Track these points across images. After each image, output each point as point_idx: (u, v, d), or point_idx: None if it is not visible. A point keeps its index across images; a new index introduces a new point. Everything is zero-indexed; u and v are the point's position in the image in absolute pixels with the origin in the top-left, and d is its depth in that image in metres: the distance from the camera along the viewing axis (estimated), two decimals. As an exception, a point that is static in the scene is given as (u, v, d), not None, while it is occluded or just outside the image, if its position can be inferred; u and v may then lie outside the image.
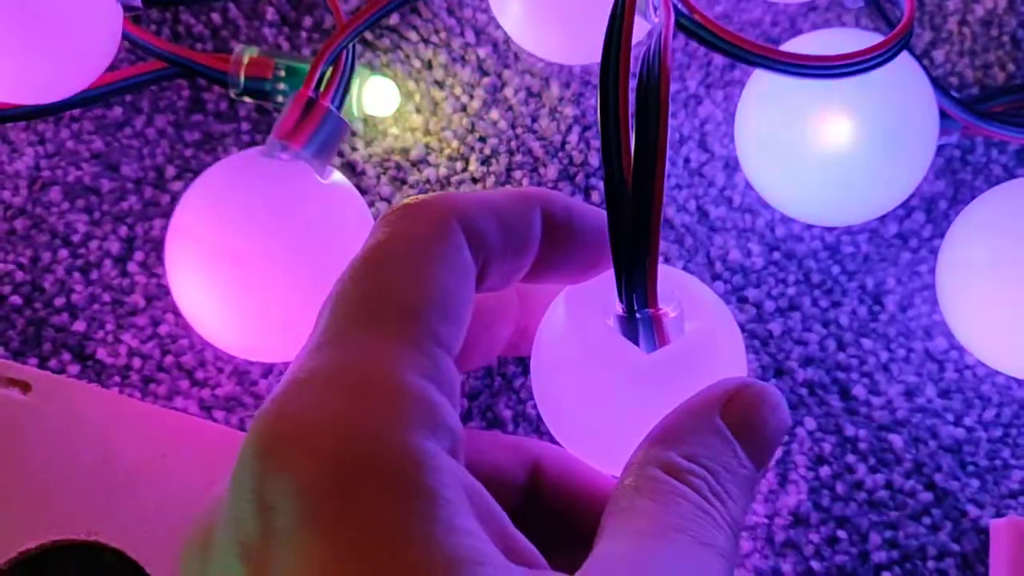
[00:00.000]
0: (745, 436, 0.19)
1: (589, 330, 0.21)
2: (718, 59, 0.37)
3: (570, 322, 0.21)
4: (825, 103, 0.32)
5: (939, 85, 0.33)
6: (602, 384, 0.21)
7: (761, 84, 0.33)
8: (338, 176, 0.32)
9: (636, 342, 0.20)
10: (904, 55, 0.32)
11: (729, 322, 0.22)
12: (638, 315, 0.20)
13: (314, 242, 0.30)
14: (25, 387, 0.30)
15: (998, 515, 0.31)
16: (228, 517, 0.17)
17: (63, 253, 0.35)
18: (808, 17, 0.37)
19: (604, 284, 0.21)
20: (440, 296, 0.19)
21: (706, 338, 0.21)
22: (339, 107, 0.32)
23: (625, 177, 0.20)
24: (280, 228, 0.30)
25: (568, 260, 0.21)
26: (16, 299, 0.34)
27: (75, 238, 0.35)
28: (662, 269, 0.20)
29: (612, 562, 0.17)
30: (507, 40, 0.37)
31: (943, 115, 0.33)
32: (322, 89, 0.32)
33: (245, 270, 0.30)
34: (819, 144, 0.31)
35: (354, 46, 0.33)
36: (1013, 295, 0.30)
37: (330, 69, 0.32)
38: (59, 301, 0.34)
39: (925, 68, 0.35)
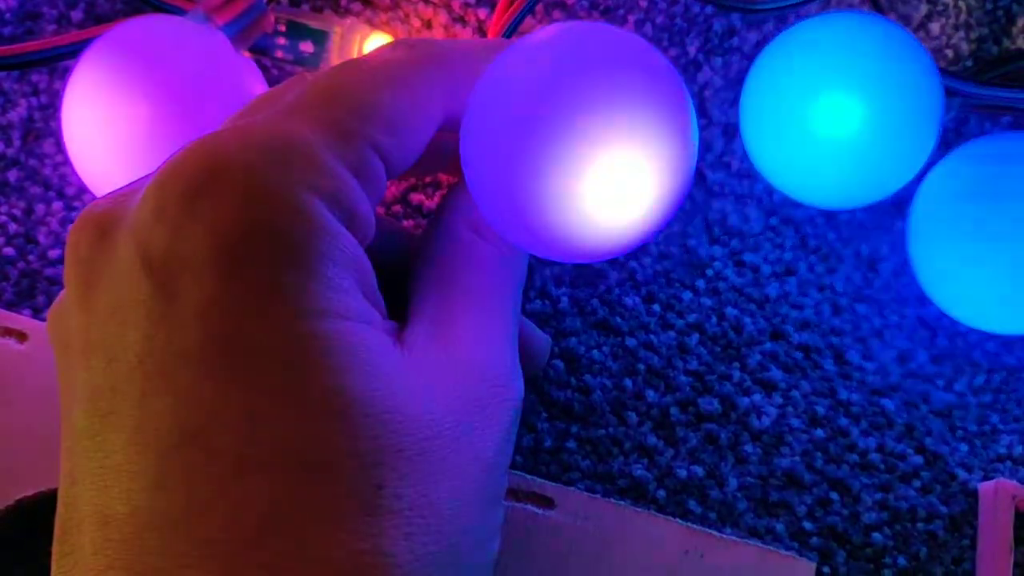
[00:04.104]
0: None
1: None
2: (718, 25, 0.37)
3: None
4: (829, 85, 0.32)
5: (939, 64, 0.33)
6: None
7: (764, 68, 0.33)
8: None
9: None
10: (906, 34, 0.32)
11: None
12: None
13: (225, 109, 0.29)
14: (21, 336, 0.30)
15: (986, 479, 0.32)
16: (138, 225, 0.19)
17: (57, 205, 0.34)
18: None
19: None
20: (391, 114, 0.21)
21: None
22: (266, 3, 0.34)
23: None
24: (196, 88, 0.29)
25: None
26: (10, 251, 0.34)
27: (69, 191, 0.35)
28: None
29: (432, 317, 0.22)
30: (507, 2, 0.37)
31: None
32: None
33: (145, 127, 0.29)
34: (824, 127, 0.31)
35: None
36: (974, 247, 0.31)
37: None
38: (53, 253, 0.34)
39: (920, 40, 0.35)
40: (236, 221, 0.18)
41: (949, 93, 0.34)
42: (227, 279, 0.18)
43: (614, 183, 0.21)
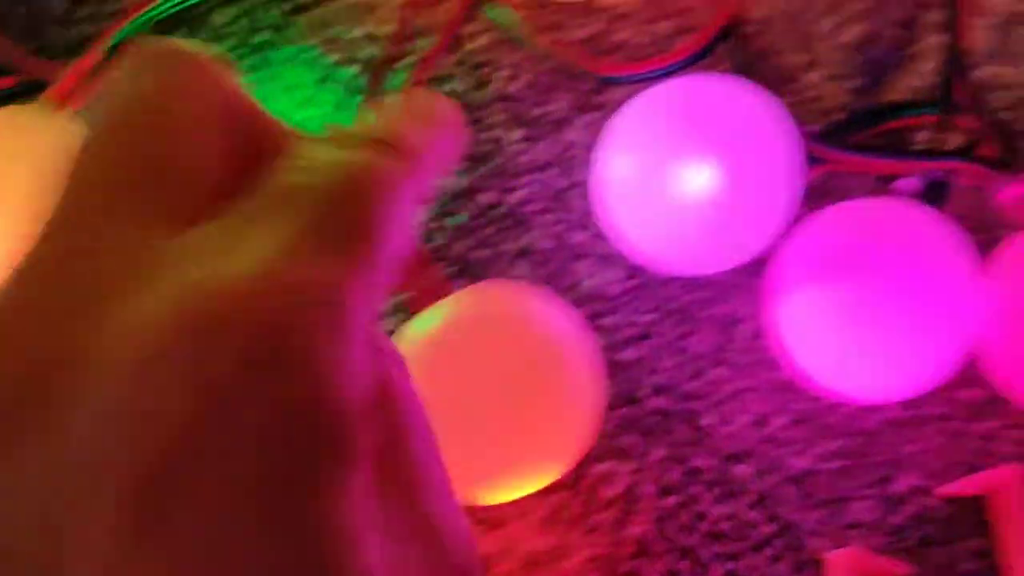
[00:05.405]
0: None
1: None
2: (584, 83, 0.36)
3: None
4: (687, 149, 0.31)
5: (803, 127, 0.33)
6: None
7: (620, 130, 0.32)
8: None
9: None
10: (767, 98, 0.32)
11: None
12: None
13: None
14: None
15: (837, 546, 0.32)
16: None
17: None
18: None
19: None
20: (395, 247, 0.15)
21: None
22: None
23: None
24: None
25: None
26: None
27: None
28: None
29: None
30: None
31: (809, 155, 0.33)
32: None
33: None
34: (681, 192, 0.31)
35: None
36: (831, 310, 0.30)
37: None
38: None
39: (798, 90, 0.35)
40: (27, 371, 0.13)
41: (812, 158, 0.33)
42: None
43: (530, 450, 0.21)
